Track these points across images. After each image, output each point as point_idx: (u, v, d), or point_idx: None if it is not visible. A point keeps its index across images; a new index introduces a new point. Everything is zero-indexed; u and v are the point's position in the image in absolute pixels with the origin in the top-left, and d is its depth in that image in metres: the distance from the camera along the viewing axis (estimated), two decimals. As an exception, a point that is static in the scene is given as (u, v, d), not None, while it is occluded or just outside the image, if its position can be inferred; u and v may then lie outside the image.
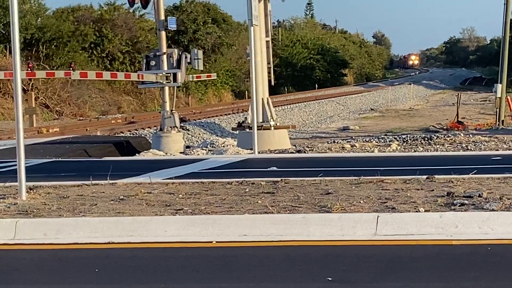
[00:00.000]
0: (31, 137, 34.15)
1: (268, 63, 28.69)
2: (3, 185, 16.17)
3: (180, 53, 29.20)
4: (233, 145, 27.49)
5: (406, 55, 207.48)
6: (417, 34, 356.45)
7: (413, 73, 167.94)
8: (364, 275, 9.44)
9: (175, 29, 32.16)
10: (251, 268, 10.03)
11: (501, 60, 38.15)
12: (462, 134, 30.19)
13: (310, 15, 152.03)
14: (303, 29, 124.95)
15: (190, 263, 10.48)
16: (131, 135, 36.40)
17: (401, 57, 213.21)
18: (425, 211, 11.90)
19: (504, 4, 38.80)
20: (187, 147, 28.87)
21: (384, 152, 24.91)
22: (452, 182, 14.62)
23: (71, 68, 50.17)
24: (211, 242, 11.24)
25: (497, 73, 39.48)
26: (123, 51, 65.55)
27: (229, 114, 49.54)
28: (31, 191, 14.76)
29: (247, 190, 14.61)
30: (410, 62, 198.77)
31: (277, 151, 26.03)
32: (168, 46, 29.55)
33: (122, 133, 38.05)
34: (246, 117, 30.94)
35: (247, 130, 27.13)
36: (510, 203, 12.20)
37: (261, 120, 26.87)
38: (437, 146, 26.24)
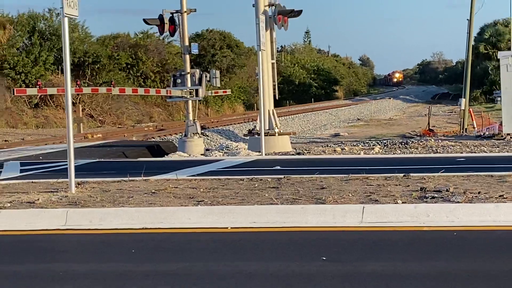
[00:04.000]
0: (79, 141, 34.18)
1: (273, 81, 28.67)
2: (56, 181, 16.22)
3: (201, 72, 29.24)
4: (244, 148, 27.46)
5: (391, 73, 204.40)
6: (396, 57, 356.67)
7: (395, 89, 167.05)
8: (352, 255, 9.45)
9: (197, 53, 32.24)
10: (260, 249, 10.05)
11: (464, 78, 38.09)
12: (432, 140, 30.12)
13: (308, 42, 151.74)
14: (302, 53, 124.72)
15: (209, 245, 10.49)
16: (161, 140, 36.40)
17: (385, 75, 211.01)
18: (402, 203, 11.92)
19: (467, 33, 38.76)
20: (207, 149, 28.81)
21: (369, 154, 24.87)
22: (424, 179, 14.62)
23: (112, 85, 50.35)
24: (227, 228, 11.25)
25: (461, 90, 39.44)
26: (154, 71, 65.60)
27: (241, 123, 49.49)
28: (79, 186, 14.81)
29: (256, 185, 14.63)
30: (395, 80, 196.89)
31: (280, 153, 26.02)
32: (191, 67, 29.54)
33: (153, 138, 38.07)
34: (255, 125, 30.92)
35: (256, 136, 27.11)
36: (472, 196, 12.20)
37: (267, 128, 26.83)
38: (412, 149, 26.19)
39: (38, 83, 46.00)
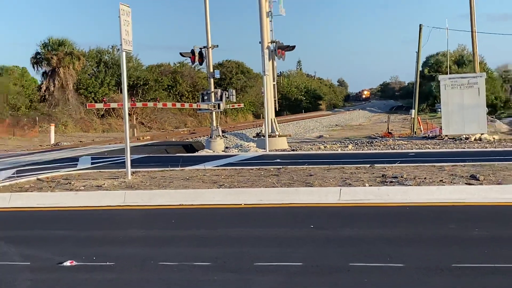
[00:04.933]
0: (133, 142, 34.27)
1: (274, 97, 28.68)
2: (117, 171, 16.28)
3: (222, 91, 29.26)
4: (253, 147, 27.46)
5: (361, 91, 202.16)
6: (364, 79, 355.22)
7: (364, 103, 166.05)
8: (333, 224, 9.48)
9: (218, 77, 32.31)
10: (265, 219, 10.08)
11: (414, 95, 38.01)
12: (390, 140, 30.06)
13: (299, 68, 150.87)
14: (295, 77, 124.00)
15: (228, 217, 10.53)
16: (193, 140, 36.37)
17: (357, 92, 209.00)
18: (369, 186, 11.92)
19: (416, 61, 38.71)
20: (226, 147, 28.85)
21: (344, 150, 24.83)
22: (385, 168, 14.62)
23: (157, 101, 50.42)
24: (241, 204, 11.28)
25: (412, 103, 39.28)
26: (188, 90, 65.55)
27: (251, 128, 49.35)
28: (133, 174, 14.86)
29: (262, 173, 14.64)
30: (364, 96, 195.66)
31: (280, 150, 26.02)
32: (214, 87, 29.56)
33: (187, 139, 38.05)
34: (261, 130, 30.98)
35: (262, 137, 27.12)
36: (420, 181, 12.20)
37: (270, 131, 26.83)
38: (376, 147, 26.14)
39: (104, 99, 46.18)
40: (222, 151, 27.12)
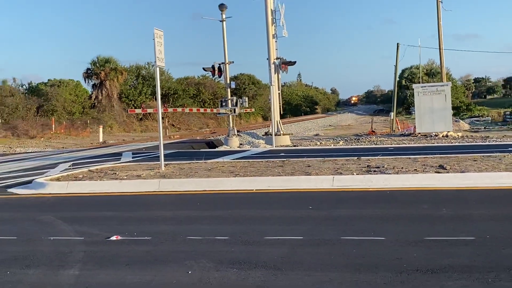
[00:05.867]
0: (165, 140, 34.31)
1: (279, 103, 28.63)
2: (153, 163, 16.32)
3: (237, 99, 29.21)
4: (262, 143, 27.45)
5: (350, 97, 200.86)
6: (352, 87, 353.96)
7: (352, 107, 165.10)
8: (327, 205, 9.46)
9: (234, 87, 32.20)
10: (272, 202, 10.08)
11: (393, 100, 37.87)
12: (374, 137, 29.97)
13: (299, 80, 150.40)
14: (296, 86, 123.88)
15: (242, 199, 10.53)
16: (214, 138, 36.40)
17: (347, 98, 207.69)
18: (357, 174, 11.89)
19: (394, 73, 38.49)
20: (240, 144, 28.84)
21: (336, 146, 24.78)
22: (369, 160, 14.58)
23: (184, 107, 50.38)
24: (253, 190, 11.28)
25: (391, 107, 39.15)
26: (209, 98, 65.44)
27: (260, 128, 49.27)
28: (166, 166, 14.90)
29: (269, 165, 14.63)
30: (352, 101, 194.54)
31: (284, 146, 26.01)
32: (231, 95, 29.51)
33: (209, 137, 38.05)
34: (269, 129, 30.90)
35: (269, 135, 27.10)
36: (398, 170, 12.15)
37: (276, 131, 26.77)
38: (362, 143, 26.07)
39: (142, 106, 46.32)
40: (237, 147, 27.11)
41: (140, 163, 17.18)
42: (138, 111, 45.14)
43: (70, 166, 17.38)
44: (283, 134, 27.89)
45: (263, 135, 32.86)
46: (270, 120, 28.18)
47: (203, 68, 29.53)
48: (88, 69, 56.64)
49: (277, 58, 27.65)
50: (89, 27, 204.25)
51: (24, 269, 6.27)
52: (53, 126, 44.83)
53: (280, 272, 5.71)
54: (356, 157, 15.36)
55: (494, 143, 21.95)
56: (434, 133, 27.62)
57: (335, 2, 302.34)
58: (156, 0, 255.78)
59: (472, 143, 22.07)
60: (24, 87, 54.71)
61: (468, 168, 11.99)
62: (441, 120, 27.89)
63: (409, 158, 14.75)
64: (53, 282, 5.78)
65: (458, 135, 27.46)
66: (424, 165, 12.91)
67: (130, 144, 32.20)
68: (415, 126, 30.22)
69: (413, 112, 38.71)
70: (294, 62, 28.32)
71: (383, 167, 12.70)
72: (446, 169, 11.91)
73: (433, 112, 27.92)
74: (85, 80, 57.08)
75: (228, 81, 28.92)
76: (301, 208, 9.10)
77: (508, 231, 6.94)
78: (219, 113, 32.65)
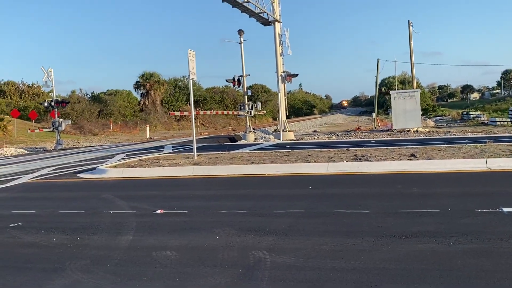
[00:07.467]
0: (197, 136, 34.38)
1: (285, 107, 28.53)
2: (188, 154, 16.37)
3: (252, 103, 29.20)
4: (272, 138, 27.39)
5: (341, 101, 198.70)
6: (342, 93, 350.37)
7: (343, 109, 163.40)
8: (324, 186, 9.41)
9: (250, 94, 31.94)
10: (279, 183, 10.05)
11: (374, 104, 37.58)
12: (360, 132, 29.75)
13: (301, 88, 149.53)
14: (298, 94, 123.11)
15: (258, 182, 10.51)
16: (234, 134, 36.39)
17: (338, 102, 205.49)
18: (346, 161, 11.82)
19: (375, 82, 38.17)
20: (255, 139, 28.81)
21: (330, 139, 24.67)
22: (356, 150, 14.49)
23: (212, 110, 50.30)
24: (265, 174, 11.27)
25: (373, 109, 38.83)
26: (231, 103, 65.54)
27: (271, 126, 49.12)
28: (198, 156, 14.94)
29: (278, 155, 14.61)
30: (343, 105, 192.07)
31: (289, 140, 25.94)
32: (248, 101, 29.50)
33: (231, 133, 38.06)
34: (277, 127, 30.82)
35: (278, 132, 27.07)
36: (379, 158, 12.05)
37: (283, 128, 26.74)
38: (350, 137, 25.90)
39: (180, 110, 46.38)
40: (253, 141, 27.10)
41: (178, 153, 17.26)
42: (176, 113, 45.27)
43: (124, 156, 17.52)
44: (288, 131, 27.80)
45: (272, 132, 32.79)
46: (278, 120, 28.11)
47: (226, 80, 29.54)
48: (137, 81, 57.03)
49: (283, 72, 27.54)
50: (138, 47, 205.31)
51: (90, 235, 6.37)
52: (111, 125, 45.28)
53: (286, 237, 5.72)
54: (345, 148, 15.29)
55: (454, 136, 21.68)
56: (407, 129, 27.37)
57: (331, 29, 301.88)
58: (192, 29, 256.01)
59: (437, 137, 21.80)
60: (88, 95, 55.34)
61: (433, 156, 11.87)
62: (412, 118, 27.69)
63: (387, 148, 14.63)
64: (113, 245, 5.85)
65: (426, 131, 27.15)
66: (399, 154, 12.80)
67: (170, 139, 32.35)
68: (392, 123, 29.95)
69: (390, 112, 38.32)
70: (297, 75, 28.14)
71: (367, 155, 12.63)
72: (416, 157, 11.80)
73: (406, 112, 27.73)
74: (135, 90, 57.59)
75: (245, 90, 28.87)
76: (303, 188, 9.09)
77: (464, 204, 6.88)
78: (238, 115, 32.55)
